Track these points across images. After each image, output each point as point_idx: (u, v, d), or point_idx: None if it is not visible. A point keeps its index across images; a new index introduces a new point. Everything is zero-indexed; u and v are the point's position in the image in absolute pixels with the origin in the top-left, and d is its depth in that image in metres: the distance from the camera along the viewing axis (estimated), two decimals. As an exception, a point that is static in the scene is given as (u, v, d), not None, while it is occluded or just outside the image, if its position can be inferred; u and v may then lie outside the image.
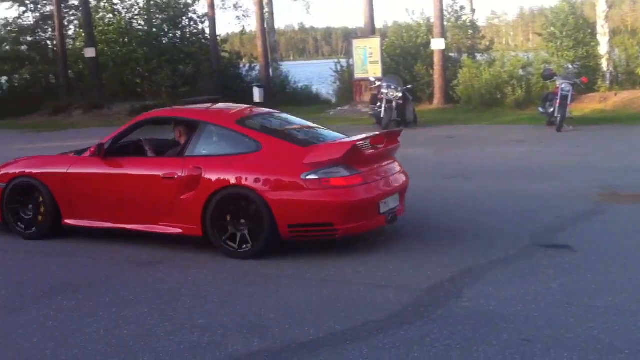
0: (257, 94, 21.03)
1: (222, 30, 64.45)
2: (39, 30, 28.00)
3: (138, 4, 26.69)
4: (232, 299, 4.69)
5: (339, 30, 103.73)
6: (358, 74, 19.86)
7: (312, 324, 4.16)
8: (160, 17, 25.56)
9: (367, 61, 19.52)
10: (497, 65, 18.56)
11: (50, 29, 27.45)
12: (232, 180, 5.82)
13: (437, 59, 19.40)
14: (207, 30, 24.81)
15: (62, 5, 25.54)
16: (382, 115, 15.08)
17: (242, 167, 5.88)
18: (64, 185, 6.62)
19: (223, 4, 31.81)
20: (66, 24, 27.08)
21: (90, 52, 23.24)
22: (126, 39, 25.66)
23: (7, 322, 4.42)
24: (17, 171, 6.92)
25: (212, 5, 23.84)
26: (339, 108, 20.44)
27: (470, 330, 3.98)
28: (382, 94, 15.30)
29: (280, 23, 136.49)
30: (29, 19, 28.10)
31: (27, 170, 6.88)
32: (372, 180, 5.95)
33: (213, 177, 5.90)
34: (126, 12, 26.69)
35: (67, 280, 5.29)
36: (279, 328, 4.13)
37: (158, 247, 6.08)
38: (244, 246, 5.75)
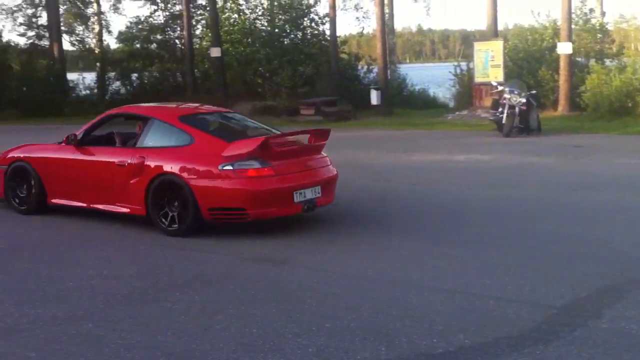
0: (374, 97, 21.03)
1: (340, 32, 64.95)
2: (169, 29, 29.30)
3: (262, 4, 27.41)
4: (357, 304, 4.66)
5: (457, 33, 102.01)
6: (478, 78, 19.43)
7: (440, 336, 4.06)
8: (283, 17, 26.09)
9: (489, 65, 19.05)
10: (628, 72, 17.56)
11: (178, 28, 28.68)
12: (166, 168, 6.84)
13: (563, 63, 18.67)
14: (327, 32, 25.10)
15: (191, 5, 26.55)
16: (503, 122, 14.65)
17: (176, 158, 6.90)
18: (47, 169, 7.88)
19: (344, 5, 31.99)
20: (194, 23, 28.15)
21: (215, 52, 24.08)
22: (249, 40, 26.39)
23: (142, 314, 4.60)
24: (15, 155, 8.21)
25: (333, 7, 24.06)
26: (457, 113, 20.07)
27: (613, 355, 3.75)
28: (504, 99, 14.85)
29: (398, 25, 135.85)
30: (160, 17, 29.49)
31: (23, 155, 8.16)
32: (285, 173, 6.80)
33: (153, 165, 6.95)
34: (250, 13, 27.46)
35: (198, 275, 5.46)
36: (406, 338, 4.06)
37: (283, 247, 6.20)
38: (174, 225, 6.76)
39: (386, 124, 19.08)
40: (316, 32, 26.11)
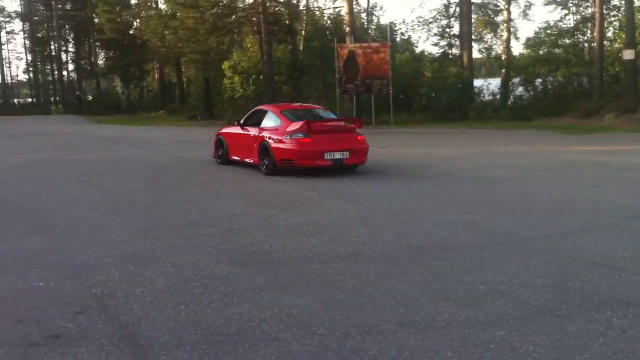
0: None
1: None
2: (578, 32, 28.22)
3: None
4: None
5: None
6: None
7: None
8: None
9: None
10: None
11: (589, 31, 27.40)
12: (265, 138, 12.43)
13: None
14: None
15: (604, 6, 25.07)
16: None
17: (270, 132, 12.47)
18: (229, 139, 14.19)
19: None
20: (605, 25, 26.57)
21: (629, 54, 22.31)
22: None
23: (557, 329, 4.36)
24: (218, 132, 14.99)
25: None
26: None
27: None
28: None
29: None
30: (569, 21, 28.58)
31: (221, 131, 14.85)
32: (320, 141, 11.83)
33: (261, 136, 12.66)
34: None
35: (614, 295, 5.00)
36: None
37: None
38: (265, 169, 12.37)
39: None
40: None
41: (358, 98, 28.73)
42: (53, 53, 64.27)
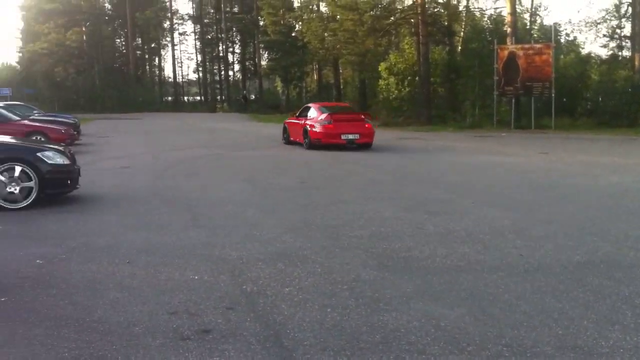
0: None
1: None
2: None
3: None
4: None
5: None
6: None
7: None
8: None
9: None
10: None
11: None
12: (307, 125, 19.02)
13: None
14: None
15: None
16: None
17: (311, 120, 19.09)
18: (289, 126, 20.99)
19: None
20: None
21: None
22: None
23: None
24: (285, 121, 21.89)
25: None
26: None
27: None
28: None
29: None
30: None
31: (285, 121, 21.87)
32: (339, 127, 18.23)
33: (305, 123, 19.21)
34: None
35: None
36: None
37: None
38: (304, 146, 19.10)
39: None
40: None
41: (517, 101, 27.68)
42: (221, 54, 67.89)
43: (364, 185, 11.43)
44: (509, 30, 29.62)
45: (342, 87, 47.91)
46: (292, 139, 20.50)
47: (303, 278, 5.49)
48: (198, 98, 74.17)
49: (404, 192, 10.64)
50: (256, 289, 5.20)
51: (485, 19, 37.66)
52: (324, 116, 18.69)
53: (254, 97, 62.62)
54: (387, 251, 6.45)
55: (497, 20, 34.81)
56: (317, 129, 18.40)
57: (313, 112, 19.56)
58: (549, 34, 31.18)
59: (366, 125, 18.53)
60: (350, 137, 18.08)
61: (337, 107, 23.51)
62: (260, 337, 4.21)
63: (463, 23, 37.91)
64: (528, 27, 41.39)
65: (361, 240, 6.93)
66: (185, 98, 74.68)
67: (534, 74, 26.82)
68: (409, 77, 32.83)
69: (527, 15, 42.58)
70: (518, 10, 36.54)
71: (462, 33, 37.18)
